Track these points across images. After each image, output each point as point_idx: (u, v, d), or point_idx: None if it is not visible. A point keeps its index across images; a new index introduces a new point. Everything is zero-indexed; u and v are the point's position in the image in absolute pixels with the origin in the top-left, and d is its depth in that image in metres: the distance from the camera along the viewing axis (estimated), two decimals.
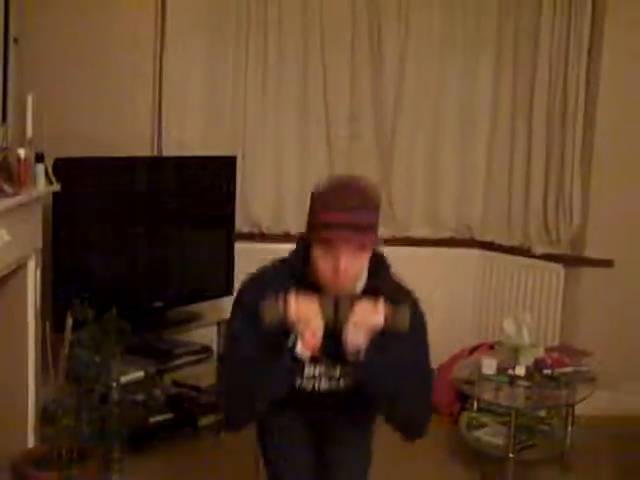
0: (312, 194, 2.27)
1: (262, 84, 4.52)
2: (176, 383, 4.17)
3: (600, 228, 4.33)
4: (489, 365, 3.67)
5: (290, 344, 2.19)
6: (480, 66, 4.63)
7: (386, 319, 2.20)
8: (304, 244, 2.30)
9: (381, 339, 2.22)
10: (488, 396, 3.62)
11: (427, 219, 4.82)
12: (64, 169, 3.40)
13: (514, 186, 4.63)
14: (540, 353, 3.75)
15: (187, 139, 4.36)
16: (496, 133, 4.67)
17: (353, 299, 2.22)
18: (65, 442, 3.13)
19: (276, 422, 2.48)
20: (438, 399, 4.31)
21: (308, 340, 2.17)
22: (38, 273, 3.27)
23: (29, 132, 3.19)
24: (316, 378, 2.38)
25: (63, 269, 3.51)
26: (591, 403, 4.11)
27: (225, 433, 2.34)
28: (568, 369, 3.68)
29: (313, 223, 2.23)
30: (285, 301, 2.17)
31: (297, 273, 2.30)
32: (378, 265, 2.35)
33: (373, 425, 2.56)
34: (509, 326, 3.81)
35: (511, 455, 3.43)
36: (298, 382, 2.36)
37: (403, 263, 4.80)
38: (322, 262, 2.21)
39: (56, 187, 3.31)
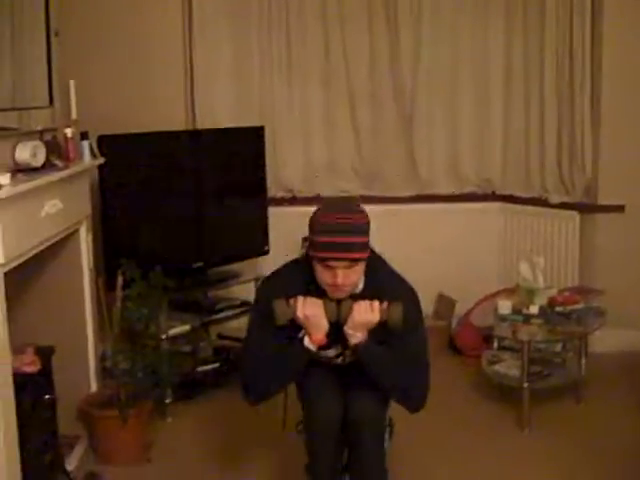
0: (312, 215, 2.63)
1: (287, 60, 4.83)
2: (220, 335, 4.53)
3: (611, 176, 4.57)
4: (504, 306, 3.94)
5: (300, 336, 2.61)
6: (491, 31, 4.88)
7: (382, 316, 2.58)
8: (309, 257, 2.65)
9: (379, 332, 2.60)
10: (504, 333, 3.90)
11: (450, 177, 5.09)
12: (107, 145, 3.74)
13: (530, 141, 4.89)
14: (554, 294, 4.02)
15: (218, 114, 4.70)
16: (510, 93, 4.92)
17: (351, 301, 2.60)
18: (122, 387, 3.47)
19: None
20: (464, 342, 4.65)
21: (315, 337, 2.60)
22: (89, 238, 3.61)
23: (73, 113, 3.51)
24: (332, 358, 2.78)
25: (112, 234, 3.86)
26: (606, 341, 4.41)
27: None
28: (579, 306, 3.93)
29: (311, 242, 2.59)
30: (294, 303, 2.58)
31: (307, 277, 2.65)
32: (374, 264, 2.69)
33: None
34: (525, 270, 4.08)
35: (525, 385, 3.70)
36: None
37: (428, 219, 5.16)
38: (321, 276, 2.59)
39: (100, 160, 3.65)
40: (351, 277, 2.57)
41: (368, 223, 2.60)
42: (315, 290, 2.63)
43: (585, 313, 3.91)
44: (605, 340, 4.43)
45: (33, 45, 3.42)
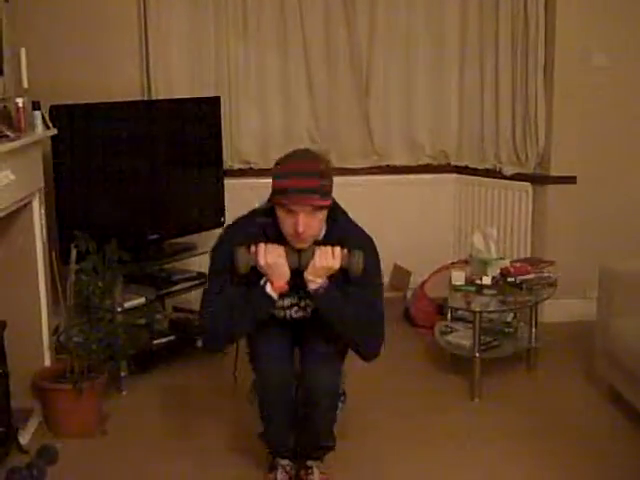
0: (275, 163, 2.69)
1: (243, 27, 4.77)
2: (176, 308, 4.53)
3: (563, 148, 4.64)
4: (458, 277, 3.99)
5: (262, 283, 2.64)
6: (447, 3, 4.90)
7: (342, 263, 2.62)
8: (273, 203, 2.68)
9: (338, 281, 2.66)
10: (457, 304, 3.96)
11: (405, 148, 5.12)
12: (60, 115, 3.69)
13: (485, 113, 4.94)
14: (506, 264, 4.08)
15: (174, 83, 4.65)
16: (465, 65, 4.96)
17: (314, 247, 2.64)
18: (76, 360, 3.46)
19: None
20: (419, 313, 4.70)
21: (276, 284, 2.64)
22: (42, 210, 3.57)
23: (25, 82, 3.44)
24: (286, 308, 2.80)
25: (65, 206, 3.82)
26: (557, 310, 4.50)
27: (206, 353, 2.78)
28: (530, 276, 4.00)
29: (274, 189, 2.63)
30: (255, 250, 2.61)
31: (269, 225, 2.68)
32: (335, 214, 2.73)
33: None
34: (478, 241, 4.13)
35: (477, 354, 3.77)
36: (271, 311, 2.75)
37: (384, 191, 5.19)
38: (284, 224, 2.63)
39: (53, 131, 3.60)
40: (313, 226, 2.61)
41: (328, 169, 2.65)
42: (277, 238, 2.66)
43: (536, 283, 3.98)
44: (555, 309, 4.53)
45: None
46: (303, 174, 2.57)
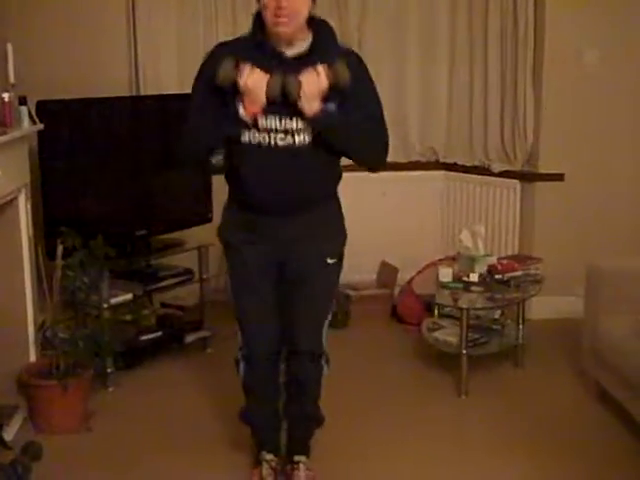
0: None
1: (232, 23, 4.74)
2: (163, 304, 4.51)
3: (551, 145, 4.65)
4: (445, 274, 4.00)
5: (237, 102, 2.63)
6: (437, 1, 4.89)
7: (329, 79, 2.62)
8: (259, 13, 2.65)
9: (333, 96, 2.63)
10: (444, 301, 3.96)
11: (394, 144, 5.08)
12: (46, 110, 3.66)
13: (474, 110, 4.94)
14: (493, 261, 4.08)
15: (162, 79, 4.62)
16: (454, 62, 4.96)
17: (296, 78, 2.60)
18: (62, 356, 3.45)
19: (239, 252, 2.86)
20: (406, 310, 4.71)
21: (248, 108, 2.62)
22: (28, 206, 3.55)
23: (11, 77, 3.43)
24: (272, 132, 2.69)
25: (52, 201, 3.80)
26: (543, 307, 4.51)
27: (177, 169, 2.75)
28: (518, 273, 4.01)
29: None
30: (242, 68, 2.61)
31: (257, 39, 2.67)
32: (320, 27, 2.73)
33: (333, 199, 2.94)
34: (466, 238, 4.14)
35: (464, 351, 3.77)
36: (256, 136, 2.68)
37: (372, 187, 5.16)
38: (268, 6, 2.58)
39: (39, 126, 3.58)
40: (294, 2, 2.58)
41: None
42: (261, 59, 2.62)
43: (523, 280, 3.99)
44: (542, 307, 4.54)
45: None
46: None
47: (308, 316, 2.88)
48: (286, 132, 2.67)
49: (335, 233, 2.91)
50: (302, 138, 2.68)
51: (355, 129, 2.70)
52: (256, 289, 2.87)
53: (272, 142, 2.68)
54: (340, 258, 2.91)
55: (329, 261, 2.86)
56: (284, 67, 2.63)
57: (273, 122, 2.67)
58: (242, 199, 2.82)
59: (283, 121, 2.66)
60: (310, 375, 2.96)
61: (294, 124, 2.66)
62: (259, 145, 2.68)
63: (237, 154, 2.73)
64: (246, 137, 2.68)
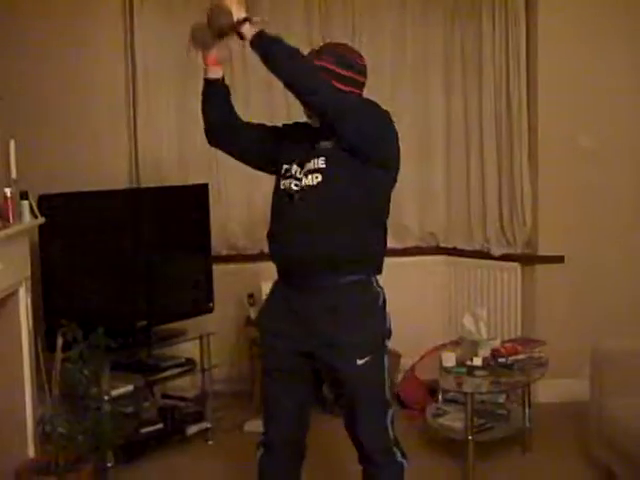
0: None
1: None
2: (164, 395, 4.46)
3: (550, 228, 4.68)
4: (448, 358, 3.97)
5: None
6: (431, 88, 5.01)
7: None
8: None
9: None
10: (448, 386, 3.92)
11: (394, 230, 5.11)
12: (48, 204, 3.72)
13: (472, 195, 5.00)
14: (497, 345, 4.06)
15: (163, 170, 4.70)
16: (451, 148, 5.05)
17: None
18: (61, 451, 3.39)
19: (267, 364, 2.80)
20: (409, 396, 4.65)
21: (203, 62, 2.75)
22: (29, 299, 3.57)
23: (13, 173, 3.50)
24: (287, 177, 2.70)
25: (52, 294, 3.81)
26: (549, 390, 4.46)
27: None
28: (521, 356, 3.98)
29: None
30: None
31: None
32: None
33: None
34: (468, 322, 4.13)
35: (470, 437, 3.71)
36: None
37: None
38: None
39: (41, 220, 3.63)
40: None
41: None
42: None
43: (527, 363, 3.96)
44: (548, 390, 4.49)
45: None
46: None
47: (362, 421, 2.69)
48: (296, 177, 2.69)
49: (364, 322, 2.69)
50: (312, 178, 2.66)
51: (294, 57, 2.60)
52: (278, 374, 2.77)
53: (288, 187, 2.71)
54: (374, 351, 2.69)
55: (359, 362, 2.62)
56: None
57: (288, 165, 2.74)
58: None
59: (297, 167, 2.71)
60: (385, 472, 2.72)
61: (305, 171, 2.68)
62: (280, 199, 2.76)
63: None
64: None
